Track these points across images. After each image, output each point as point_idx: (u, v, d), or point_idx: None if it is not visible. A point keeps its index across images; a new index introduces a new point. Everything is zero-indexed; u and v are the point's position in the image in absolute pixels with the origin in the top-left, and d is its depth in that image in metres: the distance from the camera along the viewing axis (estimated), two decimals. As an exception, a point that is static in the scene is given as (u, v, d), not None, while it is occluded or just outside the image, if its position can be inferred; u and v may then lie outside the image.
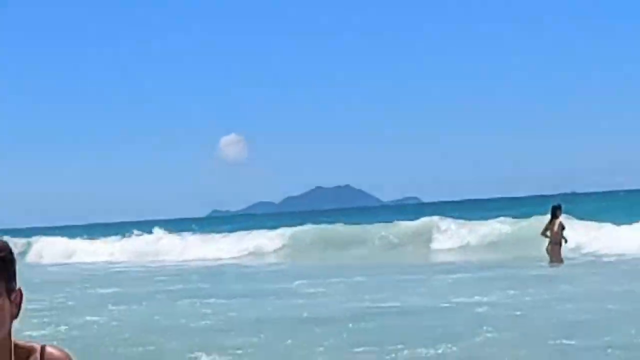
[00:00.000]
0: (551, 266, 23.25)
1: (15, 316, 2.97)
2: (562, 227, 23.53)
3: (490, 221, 35.52)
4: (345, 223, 42.90)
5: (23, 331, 15.60)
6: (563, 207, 24.65)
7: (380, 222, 41.52)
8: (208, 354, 11.53)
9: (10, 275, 2.94)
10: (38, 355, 3.07)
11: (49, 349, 3.12)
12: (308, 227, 42.82)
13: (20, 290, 2.98)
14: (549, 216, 24.40)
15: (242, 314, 16.54)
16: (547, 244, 23.75)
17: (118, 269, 34.45)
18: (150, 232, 46.32)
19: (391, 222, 40.04)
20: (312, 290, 21.85)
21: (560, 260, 23.38)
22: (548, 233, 23.80)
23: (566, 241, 23.69)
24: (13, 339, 3.00)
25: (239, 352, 11.85)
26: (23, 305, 2.89)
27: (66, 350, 3.16)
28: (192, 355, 11.50)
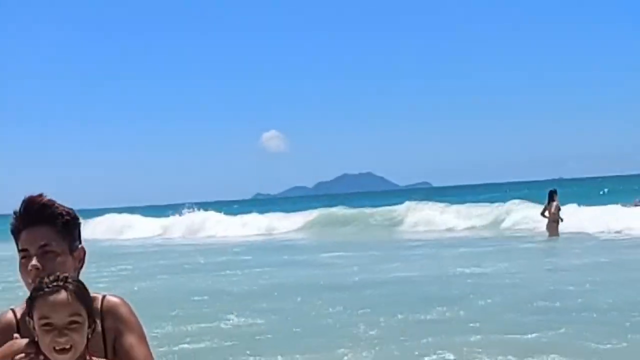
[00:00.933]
0: (549, 240, 25.23)
1: (79, 269, 3.22)
2: (558, 208, 25.77)
3: (496, 204, 36.15)
4: (364, 206, 43.80)
5: None
6: (558, 191, 26.72)
7: (396, 204, 41.77)
8: (238, 315, 12.00)
9: (74, 237, 3.20)
10: (99, 301, 3.24)
11: (108, 297, 3.31)
12: (336, 209, 43.98)
13: (82, 247, 3.25)
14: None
15: (271, 281, 17.05)
16: (546, 222, 25.97)
17: (169, 243, 34.99)
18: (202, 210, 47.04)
19: (402, 203, 40.61)
20: (331, 261, 22.56)
21: (557, 235, 25.39)
22: (546, 213, 26.07)
23: (562, 220, 25.72)
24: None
25: (264, 313, 12.22)
26: (85, 262, 3.16)
27: (124, 298, 3.36)
28: (226, 317, 11.90)
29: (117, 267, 22.66)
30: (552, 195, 26.16)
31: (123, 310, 3.19)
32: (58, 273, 2.92)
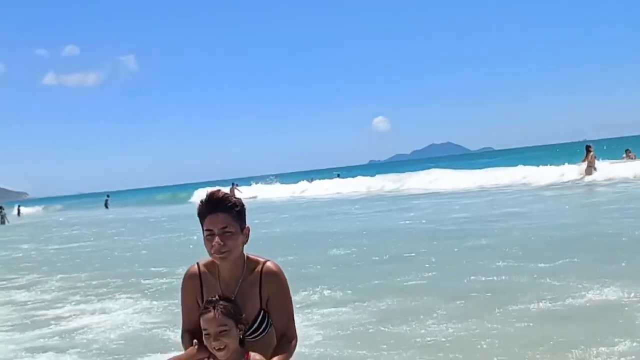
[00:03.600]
0: (586, 183, 27.29)
1: (245, 242, 3.37)
2: (594, 157, 29.20)
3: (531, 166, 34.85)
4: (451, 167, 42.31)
5: None
6: (593, 146, 29.79)
7: (465, 168, 41.04)
8: (338, 249, 12.97)
9: (243, 220, 3.36)
10: (261, 265, 3.42)
11: (268, 263, 3.44)
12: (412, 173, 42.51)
13: (248, 227, 3.39)
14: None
15: (366, 224, 17.78)
16: (584, 167, 28.81)
17: (297, 201, 35.94)
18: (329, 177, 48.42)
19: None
20: (362, 212, 23.71)
21: (591, 174, 28.23)
22: (585, 162, 29.06)
23: (596, 169, 28.49)
24: (245, 253, 3.40)
25: (358, 246, 13.00)
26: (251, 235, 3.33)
27: (280, 267, 3.45)
28: (331, 250, 12.86)
29: (271, 215, 25.10)
30: (588, 148, 29.18)
31: (277, 278, 3.39)
32: (213, 297, 3.27)
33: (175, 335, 7.26)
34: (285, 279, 3.41)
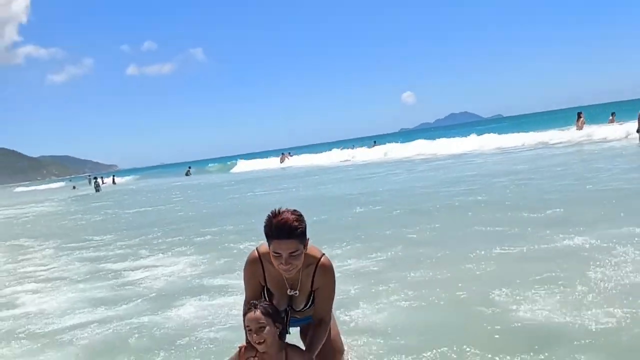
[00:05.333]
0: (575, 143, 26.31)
1: (305, 250, 3.35)
2: (584, 123, 29.78)
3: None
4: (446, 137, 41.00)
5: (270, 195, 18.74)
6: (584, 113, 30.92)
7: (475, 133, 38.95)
8: (361, 206, 12.76)
9: (305, 235, 3.32)
10: (318, 256, 3.46)
11: (322, 259, 3.46)
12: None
13: (308, 239, 3.35)
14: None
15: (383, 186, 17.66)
16: (575, 131, 29.08)
17: (345, 166, 35.13)
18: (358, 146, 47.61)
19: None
20: (369, 173, 23.59)
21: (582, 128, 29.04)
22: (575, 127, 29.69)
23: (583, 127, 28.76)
24: (304, 251, 3.36)
25: (379, 204, 12.79)
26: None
27: (331, 263, 3.49)
28: (353, 208, 12.66)
29: (321, 177, 25.12)
30: (579, 115, 30.63)
31: (328, 273, 3.45)
32: (254, 301, 3.41)
33: (210, 282, 7.41)
34: (334, 274, 3.47)
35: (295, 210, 3.30)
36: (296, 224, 3.20)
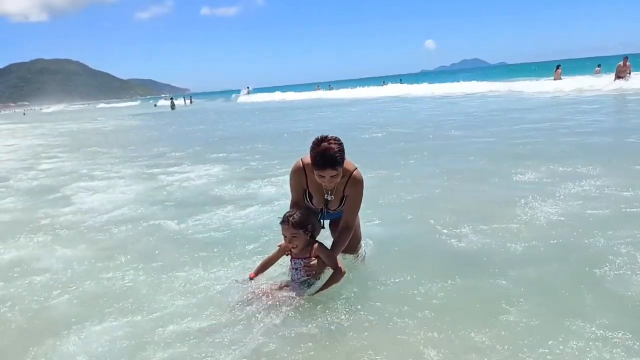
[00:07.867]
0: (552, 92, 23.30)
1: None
2: (560, 74, 28.03)
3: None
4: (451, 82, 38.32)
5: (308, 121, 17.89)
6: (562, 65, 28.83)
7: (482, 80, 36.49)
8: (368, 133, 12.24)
9: (343, 162, 3.16)
10: (351, 169, 3.31)
11: (354, 173, 3.32)
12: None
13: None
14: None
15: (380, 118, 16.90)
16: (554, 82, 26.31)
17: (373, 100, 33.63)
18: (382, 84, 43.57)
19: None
20: (355, 110, 22.27)
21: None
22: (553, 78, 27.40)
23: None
24: (342, 170, 3.17)
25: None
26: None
27: (362, 176, 3.33)
28: (357, 133, 12.04)
29: (348, 109, 23.83)
30: (557, 67, 28.46)
31: (357, 185, 3.33)
32: (289, 212, 3.33)
33: (226, 191, 7.08)
34: (362, 186, 3.32)
35: (336, 139, 3.09)
36: (337, 155, 3.05)
